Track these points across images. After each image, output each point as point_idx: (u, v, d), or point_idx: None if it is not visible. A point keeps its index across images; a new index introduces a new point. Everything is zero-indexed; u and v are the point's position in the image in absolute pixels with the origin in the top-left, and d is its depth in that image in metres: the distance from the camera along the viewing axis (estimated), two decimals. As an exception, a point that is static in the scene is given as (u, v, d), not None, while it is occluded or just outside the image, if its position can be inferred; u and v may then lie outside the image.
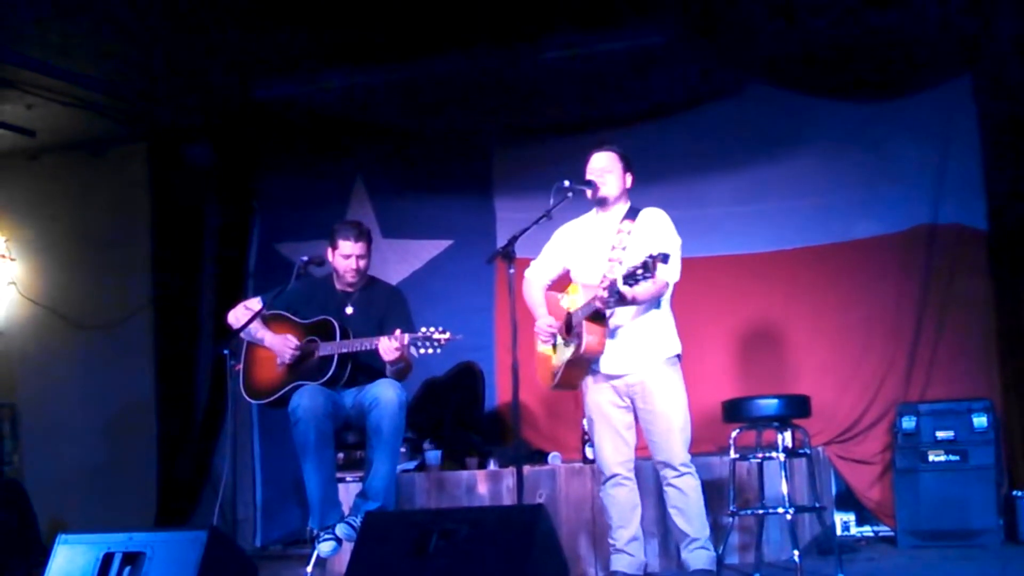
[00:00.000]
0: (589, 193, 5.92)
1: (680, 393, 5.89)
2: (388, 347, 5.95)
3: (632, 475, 5.98)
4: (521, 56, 7.68)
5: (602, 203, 5.98)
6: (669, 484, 5.86)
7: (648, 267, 5.22)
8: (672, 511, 5.89)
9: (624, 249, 5.78)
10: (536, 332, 6.06)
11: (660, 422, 5.83)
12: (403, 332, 5.95)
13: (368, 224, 7.49)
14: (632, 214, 5.95)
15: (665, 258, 5.23)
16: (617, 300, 5.54)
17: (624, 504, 5.96)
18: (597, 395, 5.97)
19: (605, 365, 5.88)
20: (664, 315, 5.92)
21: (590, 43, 7.55)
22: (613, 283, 5.44)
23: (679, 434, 5.82)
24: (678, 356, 5.95)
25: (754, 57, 7.89)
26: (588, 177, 5.94)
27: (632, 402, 5.91)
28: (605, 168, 5.95)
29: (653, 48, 7.58)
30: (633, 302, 5.67)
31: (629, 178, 6.00)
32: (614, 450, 5.95)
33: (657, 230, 5.86)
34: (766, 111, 8.15)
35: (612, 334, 5.82)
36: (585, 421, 7.02)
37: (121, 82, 8.28)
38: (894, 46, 7.64)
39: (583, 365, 5.90)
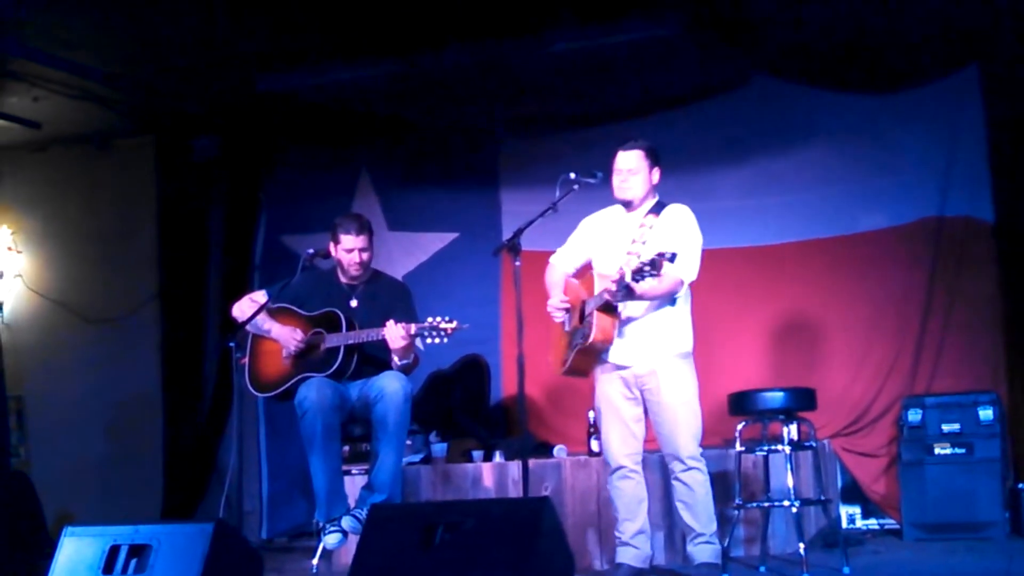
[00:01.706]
0: (615, 191, 5.92)
1: (689, 387, 5.89)
2: (395, 335, 5.94)
3: (639, 468, 5.98)
4: (528, 48, 7.66)
5: (627, 205, 5.99)
6: (676, 478, 5.87)
7: (656, 265, 5.25)
8: (679, 505, 5.90)
9: (644, 243, 5.77)
10: (548, 310, 6.06)
11: (667, 414, 5.84)
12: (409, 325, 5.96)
13: (374, 217, 7.50)
14: (658, 208, 5.94)
15: (672, 257, 5.25)
16: (625, 294, 5.55)
17: (631, 497, 5.96)
18: (607, 386, 5.98)
19: (614, 355, 5.89)
20: (678, 312, 5.90)
21: (597, 35, 7.52)
22: (622, 277, 5.45)
23: (685, 428, 5.82)
24: (689, 352, 5.95)
25: (761, 50, 7.87)
26: (614, 178, 5.94)
27: (642, 394, 5.91)
28: (631, 170, 5.92)
29: (660, 41, 7.55)
30: (641, 297, 5.68)
31: (656, 174, 5.97)
32: (621, 442, 5.95)
33: (677, 228, 5.85)
34: (773, 104, 8.13)
35: (624, 325, 5.84)
36: (591, 413, 7.06)
37: (127, 75, 8.27)
38: (900, 38, 7.63)
39: (593, 354, 5.91)
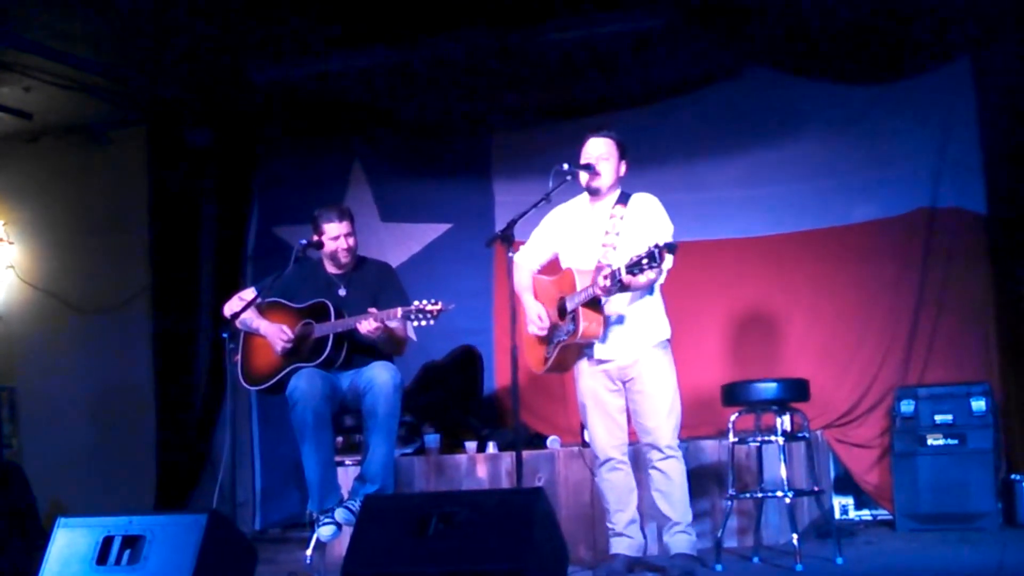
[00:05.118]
0: (585, 179, 5.90)
1: (670, 377, 5.88)
2: (368, 327, 5.95)
3: (626, 459, 6.00)
4: (521, 39, 7.67)
5: (595, 192, 5.95)
6: (654, 467, 5.86)
7: (654, 257, 5.22)
8: (656, 494, 5.89)
9: (618, 235, 5.78)
10: (527, 322, 6.03)
11: (649, 404, 5.84)
12: (383, 309, 5.94)
13: (366, 207, 7.49)
14: (624, 199, 5.92)
15: (671, 247, 5.23)
16: (619, 289, 5.54)
17: (621, 488, 5.96)
18: (590, 380, 5.97)
19: (599, 350, 5.87)
20: (656, 300, 5.91)
21: (590, 26, 7.54)
22: (616, 272, 5.45)
23: (668, 417, 5.82)
24: (668, 340, 5.94)
25: (753, 40, 7.88)
26: (582, 161, 5.92)
27: (623, 385, 5.91)
28: (602, 156, 5.89)
29: (652, 31, 7.57)
30: (628, 289, 5.67)
31: (623, 166, 5.96)
32: (608, 434, 5.96)
33: (651, 217, 5.83)
34: (765, 94, 8.13)
35: (608, 319, 5.83)
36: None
37: (119, 65, 8.27)
38: (893, 29, 7.63)
39: (577, 349, 5.90)
